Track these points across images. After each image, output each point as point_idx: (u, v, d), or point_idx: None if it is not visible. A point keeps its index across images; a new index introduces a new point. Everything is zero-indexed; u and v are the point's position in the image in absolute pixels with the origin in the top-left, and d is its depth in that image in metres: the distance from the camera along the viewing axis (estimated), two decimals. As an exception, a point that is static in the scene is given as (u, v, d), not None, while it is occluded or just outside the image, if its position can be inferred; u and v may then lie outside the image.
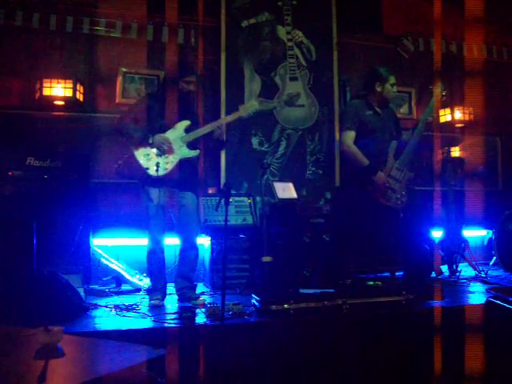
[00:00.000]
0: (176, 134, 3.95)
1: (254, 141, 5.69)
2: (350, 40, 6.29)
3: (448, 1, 5.63)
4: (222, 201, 3.59)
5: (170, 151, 3.90)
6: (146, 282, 4.69)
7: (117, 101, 5.42)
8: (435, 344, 3.14)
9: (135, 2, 5.47)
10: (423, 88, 6.38)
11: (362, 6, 6.23)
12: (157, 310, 3.77)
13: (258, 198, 5.13)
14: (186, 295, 3.96)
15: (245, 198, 5.09)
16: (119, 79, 5.42)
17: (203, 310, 3.53)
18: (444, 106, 6.30)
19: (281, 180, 5.44)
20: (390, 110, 4.69)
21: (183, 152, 3.95)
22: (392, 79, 4.41)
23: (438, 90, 4.46)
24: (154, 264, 4.01)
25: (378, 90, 4.39)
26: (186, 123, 3.99)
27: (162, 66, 5.46)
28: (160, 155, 3.88)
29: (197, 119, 4.19)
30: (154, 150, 3.89)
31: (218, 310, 3.32)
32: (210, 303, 3.68)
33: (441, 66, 5.84)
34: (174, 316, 3.50)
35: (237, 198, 5.05)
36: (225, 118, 4.07)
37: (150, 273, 4.09)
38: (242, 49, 5.73)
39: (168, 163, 3.90)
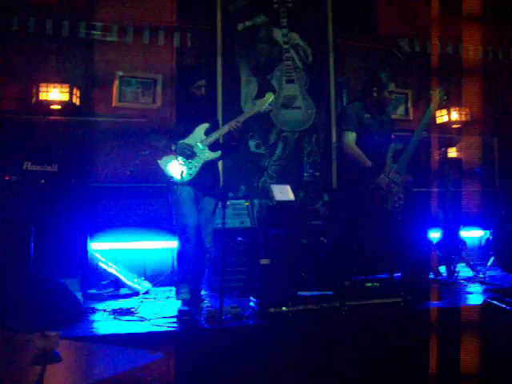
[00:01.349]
0: (196, 138, 4.00)
1: (251, 143, 5.69)
2: (346, 42, 6.30)
3: (444, 1, 5.64)
4: (220, 204, 3.59)
5: (193, 156, 3.94)
6: (144, 286, 4.69)
7: (113, 104, 5.43)
8: (431, 345, 3.14)
9: (131, 6, 5.47)
10: (420, 89, 6.39)
11: (358, 7, 6.25)
12: (156, 313, 3.77)
13: (255, 201, 5.13)
14: (192, 298, 3.96)
15: (242, 201, 5.10)
16: (116, 83, 5.42)
17: (202, 313, 3.53)
18: (441, 107, 6.30)
19: (278, 182, 5.44)
20: (387, 114, 4.69)
21: (206, 155, 3.99)
22: (391, 86, 4.40)
23: (437, 95, 4.46)
24: (186, 263, 3.97)
25: (375, 95, 4.39)
26: (205, 126, 4.04)
27: (159, 70, 5.49)
28: (184, 161, 3.91)
29: (215, 121, 4.23)
30: (178, 157, 3.91)
31: (217, 313, 3.32)
32: (208, 306, 3.67)
33: (437, 67, 5.86)
34: (172, 320, 3.50)
35: (234, 201, 5.05)
36: (244, 115, 4.08)
37: (184, 272, 4.02)
38: (238, 52, 5.74)
39: (192, 168, 3.93)
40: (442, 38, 6.52)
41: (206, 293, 4.66)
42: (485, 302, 2.91)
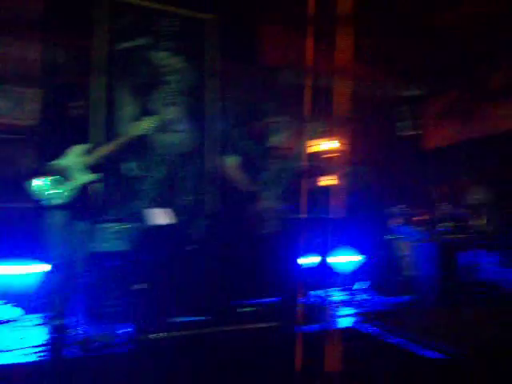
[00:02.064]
0: (71, 159, 3.83)
1: (129, 166, 5.58)
2: (228, 68, 6.41)
3: (320, 36, 5.97)
4: (94, 227, 3.49)
5: (67, 178, 3.76)
6: (9, 312, 4.40)
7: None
8: (296, 369, 3.24)
9: (2, 14, 5.18)
10: (298, 119, 6.66)
11: (241, 36, 6.42)
12: (22, 342, 3.55)
13: (133, 224, 5.02)
14: (63, 325, 3.78)
15: (119, 224, 4.97)
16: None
17: (72, 340, 3.38)
18: (314, 137, 6.61)
19: (156, 206, 5.38)
20: (266, 141, 4.84)
21: (81, 177, 3.83)
22: (271, 115, 4.58)
23: (311, 126, 4.68)
24: (57, 289, 3.77)
25: (256, 123, 4.54)
26: (82, 147, 3.90)
27: (32, 85, 5.22)
28: (56, 183, 3.73)
29: (91, 142, 4.09)
30: (50, 179, 3.73)
31: (87, 341, 3.20)
32: (79, 333, 3.52)
33: (311, 99, 6.15)
34: (38, 349, 3.31)
35: (110, 224, 4.90)
36: (122, 138, 4.01)
37: (54, 298, 3.83)
38: (117, 72, 5.64)
39: (65, 191, 3.75)
40: (316, 71, 6.87)
41: (77, 319, 4.47)
42: (354, 325, 3.06)
